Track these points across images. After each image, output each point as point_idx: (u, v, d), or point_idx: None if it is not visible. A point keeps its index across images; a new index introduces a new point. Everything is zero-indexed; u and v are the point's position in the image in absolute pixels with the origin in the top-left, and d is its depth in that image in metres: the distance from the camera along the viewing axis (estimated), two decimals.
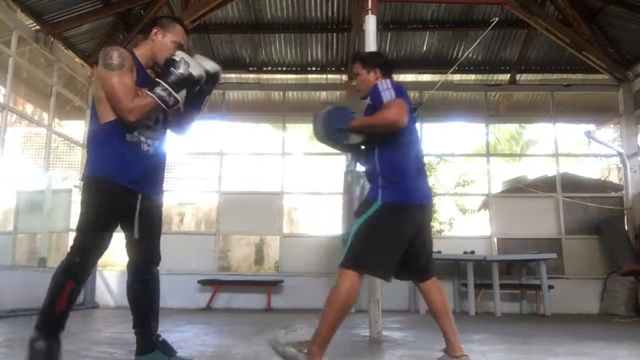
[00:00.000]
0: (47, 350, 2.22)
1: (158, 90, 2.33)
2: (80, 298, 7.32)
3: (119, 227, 2.46)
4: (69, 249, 2.36)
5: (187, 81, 2.39)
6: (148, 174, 2.45)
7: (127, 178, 2.35)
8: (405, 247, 2.55)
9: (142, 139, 2.42)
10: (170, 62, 2.39)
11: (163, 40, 2.49)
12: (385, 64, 2.85)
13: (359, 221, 2.53)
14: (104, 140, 2.38)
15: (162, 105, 2.34)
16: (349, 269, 2.44)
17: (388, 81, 2.64)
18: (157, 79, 2.38)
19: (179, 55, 2.41)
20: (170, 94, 2.34)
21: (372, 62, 2.82)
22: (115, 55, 2.34)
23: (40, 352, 2.21)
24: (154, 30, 2.51)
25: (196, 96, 2.56)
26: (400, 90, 2.58)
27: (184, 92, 2.49)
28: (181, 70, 2.36)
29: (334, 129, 2.70)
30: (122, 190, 2.35)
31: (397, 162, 2.58)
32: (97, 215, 2.36)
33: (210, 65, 2.51)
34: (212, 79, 2.53)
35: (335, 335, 2.44)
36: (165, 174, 2.64)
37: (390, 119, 2.48)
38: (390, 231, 2.48)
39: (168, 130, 2.61)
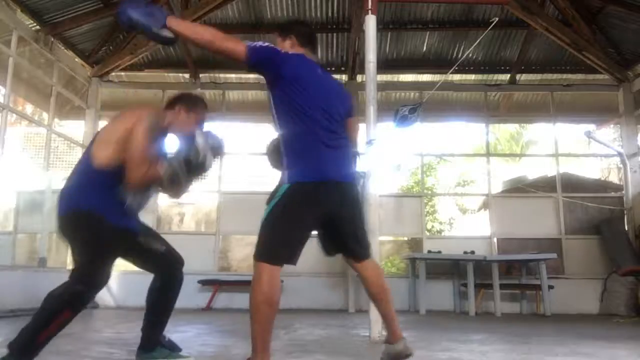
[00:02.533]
0: None
1: (170, 170, 2.43)
2: None
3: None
4: (70, 276, 2.30)
5: (198, 171, 2.50)
6: (131, 214, 2.54)
7: (115, 220, 2.39)
8: (310, 229, 2.35)
9: (129, 199, 2.47)
10: (193, 150, 2.45)
11: (187, 119, 2.62)
12: (304, 32, 2.62)
13: (267, 209, 2.33)
14: (96, 183, 2.40)
15: (167, 183, 2.46)
16: (260, 262, 2.22)
17: (292, 52, 2.46)
18: (176, 162, 2.45)
19: (202, 145, 2.45)
20: (178, 178, 2.45)
21: (289, 28, 2.61)
22: (157, 121, 2.49)
23: None
24: (177, 108, 2.63)
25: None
26: (270, 54, 2.35)
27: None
28: (199, 161, 2.45)
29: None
30: (116, 229, 2.39)
31: (299, 138, 2.34)
32: (104, 249, 2.37)
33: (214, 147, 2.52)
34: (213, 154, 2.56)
35: (336, 335, 2.42)
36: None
37: (207, 37, 2.31)
38: (293, 213, 2.27)
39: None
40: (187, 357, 2.74)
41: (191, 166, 2.47)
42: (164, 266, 2.65)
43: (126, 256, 2.61)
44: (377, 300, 2.52)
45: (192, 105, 2.68)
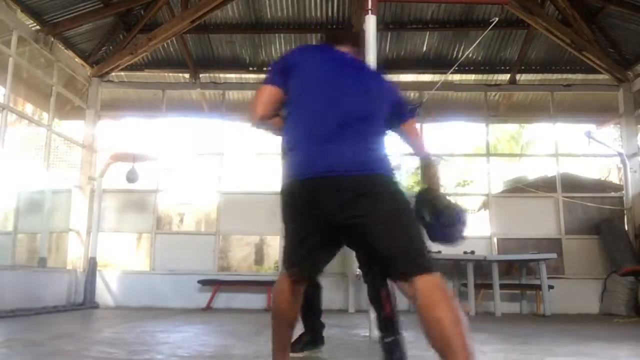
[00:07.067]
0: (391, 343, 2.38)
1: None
2: (80, 298, 7.34)
3: None
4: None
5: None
6: None
7: None
8: (313, 234, 1.86)
9: None
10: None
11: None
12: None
13: None
14: None
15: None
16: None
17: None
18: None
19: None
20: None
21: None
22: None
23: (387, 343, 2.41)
24: None
25: None
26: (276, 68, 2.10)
27: None
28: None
29: None
30: None
31: (292, 129, 1.93)
32: None
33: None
34: None
35: (336, 335, 2.40)
36: None
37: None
38: (287, 218, 1.93)
39: None
40: None
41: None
42: None
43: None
44: (438, 345, 1.66)
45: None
